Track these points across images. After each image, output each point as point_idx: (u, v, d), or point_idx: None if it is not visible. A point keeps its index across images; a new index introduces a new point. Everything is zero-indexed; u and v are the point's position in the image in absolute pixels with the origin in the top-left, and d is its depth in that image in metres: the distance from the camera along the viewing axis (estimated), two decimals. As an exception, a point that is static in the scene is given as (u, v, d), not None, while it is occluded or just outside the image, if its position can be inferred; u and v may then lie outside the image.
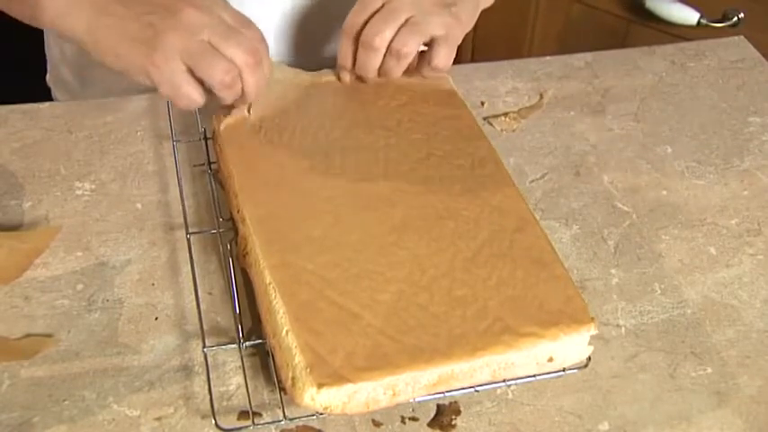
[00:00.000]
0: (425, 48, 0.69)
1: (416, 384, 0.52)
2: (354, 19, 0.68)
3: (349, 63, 0.70)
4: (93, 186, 0.69)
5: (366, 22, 0.67)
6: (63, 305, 0.60)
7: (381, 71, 0.69)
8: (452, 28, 0.68)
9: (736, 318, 0.63)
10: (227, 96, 0.60)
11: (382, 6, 0.67)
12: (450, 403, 0.55)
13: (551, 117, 0.80)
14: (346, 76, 0.71)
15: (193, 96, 0.58)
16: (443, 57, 0.68)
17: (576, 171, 0.74)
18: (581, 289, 0.63)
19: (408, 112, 0.69)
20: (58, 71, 0.92)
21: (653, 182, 0.74)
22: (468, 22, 0.70)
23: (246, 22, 0.60)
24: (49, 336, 0.58)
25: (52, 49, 0.92)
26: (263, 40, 0.61)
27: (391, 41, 0.66)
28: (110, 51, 0.59)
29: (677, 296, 0.64)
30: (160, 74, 0.57)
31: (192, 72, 0.58)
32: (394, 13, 0.66)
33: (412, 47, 0.66)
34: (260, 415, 0.54)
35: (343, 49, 0.69)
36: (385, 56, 0.67)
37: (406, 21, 0.66)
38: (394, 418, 0.55)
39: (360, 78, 0.70)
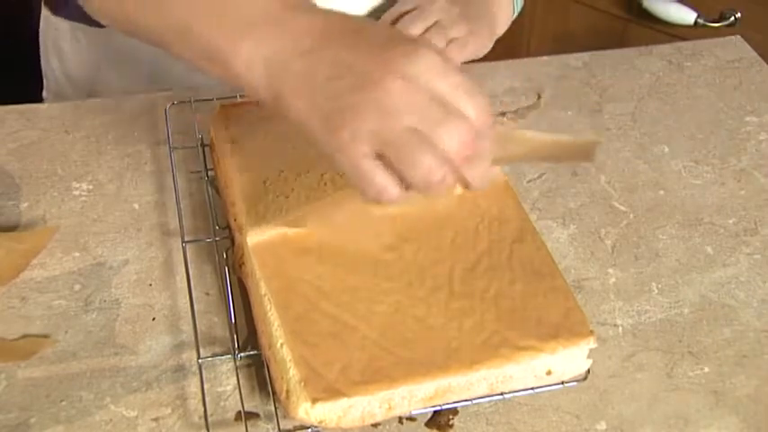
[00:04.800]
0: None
1: (413, 398, 0.51)
2: (386, 18, 0.74)
3: None
4: (90, 187, 0.69)
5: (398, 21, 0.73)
6: (60, 306, 0.60)
7: None
8: (470, 36, 0.74)
9: (733, 317, 0.63)
10: (435, 193, 0.47)
11: (413, 9, 0.73)
12: (448, 403, 0.56)
13: (549, 117, 0.80)
14: None
15: (387, 190, 0.46)
16: (455, 58, 0.72)
17: (573, 171, 0.74)
18: (578, 289, 0.63)
19: None
20: (59, 88, 0.90)
21: (650, 181, 0.74)
22: (481, 43, 0.76)
23: (468, 91, 0.46)
24: (46, 336, 0.58)
25: (53, 68, 0.90)
26: (486, 112, 0.47)
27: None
28: (290, 112, 0.48)
29: (674, 296, 0.64)
30: (344, 157, 0.46)
31: (386, 160, 0.45)
32: (423, 15, 0.72)
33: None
34: (255, 424, 0.54)
35: None
36: None
37: (434, 23, 0.72)
38: (392, 419, 0.54)
39: None
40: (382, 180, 0.46)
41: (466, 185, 0.47)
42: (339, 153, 0.46)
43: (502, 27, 0.81)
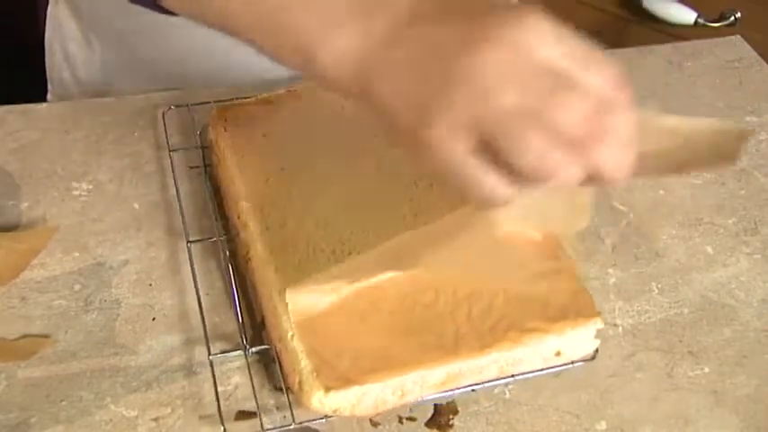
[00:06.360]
0: None
1: (425, 383, 0.52)
2: None
3: None
4: (90, 187, 0.69)
5: None
6: (60, 306, 0.60)
7: None
8: None
9: (733, 317, 0.63)
10: (555, 184, 0.38)
11: None
12: (448, 403, 0.55)
13: (549, 117, 0.80)
14: None
15: (497, 190, 0.39)
16: None
17: (573, 171, 0.74)
18: (578, 288, 0.63)
19: None
20: (66, 92, 0.90)
21: (650, 181, 0.74)
22: None
23: (589, 59, 0.38)
24: (47, 336, 0.58)
25: (60, 71, 0.90)
26: (621, 87, 0.39)
27: None
28: (378, 108, 0.41)
29: (674, 295, 0.64)
30: (443, 157, 0.38)
31: (491, 151, 0.38)
32: None
33: None
34: (255, 424, 0.54)
35: None
36: None
37: None
38: (392, 419, 0.55)
39: None
40: (491, 179, 0.38)
41: (597, 174, 0.38)
42: (436, 153, 0.38)
43: None
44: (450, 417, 0.55)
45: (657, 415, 0.56)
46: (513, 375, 0.54)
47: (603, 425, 0.55)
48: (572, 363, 0.56)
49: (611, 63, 0.39)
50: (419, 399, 0.53)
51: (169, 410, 0.54)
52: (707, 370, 0.59)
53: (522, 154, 0.37)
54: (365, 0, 0.42)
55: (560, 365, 0.55)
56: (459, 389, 0.54)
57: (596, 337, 0.55)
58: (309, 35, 0.43)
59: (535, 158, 0.37)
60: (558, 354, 0.54)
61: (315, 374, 0.50)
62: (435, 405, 0.55)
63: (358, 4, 0.42)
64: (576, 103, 0.37)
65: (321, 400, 0.49)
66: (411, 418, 0.55)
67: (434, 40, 0.39)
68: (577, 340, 0.54)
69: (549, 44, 0.37)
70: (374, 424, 0.54)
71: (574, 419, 0.55)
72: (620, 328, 0.61)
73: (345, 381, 0.49)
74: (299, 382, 0.50)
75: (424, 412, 0.55)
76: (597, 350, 0.56)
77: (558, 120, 0.36)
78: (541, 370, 0.55)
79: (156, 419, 0.54)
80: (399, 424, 0.55)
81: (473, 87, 0.37)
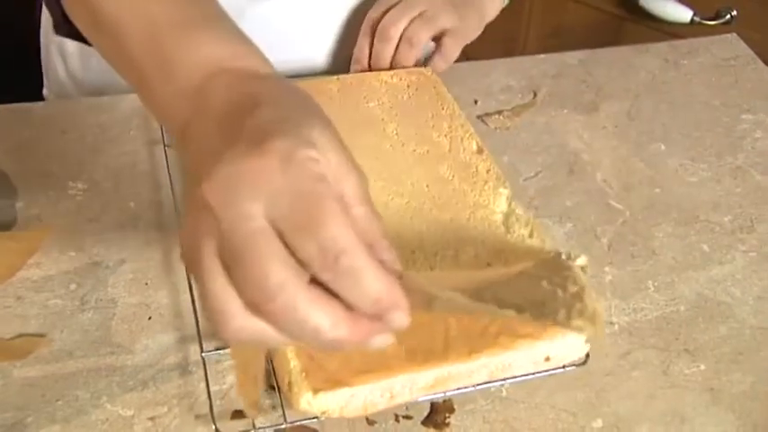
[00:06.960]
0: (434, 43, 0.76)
1: (414, 386, 0.51)
2: (372, 15, 0.75)
3: (365, 56, 0.75)
4: (86, 186, 0.69)
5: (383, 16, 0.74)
6: (56, 305, 0.60)
7: (395, 60, 0.74)
8: (459, 24, 0.75)
9: (729, 314, 0.63)
10: (301, 333, 0.34)
11: (399, 2, 0.74)
12: (444, 401, 0.56)
13: (545, 115, 0.80)
14: (357, 69, 0.76)
15: (226, 310, 0.33)
16: (450, 47, 0.75)
17: (569, 169, 0.74)
18: (574, 286, 0.63)
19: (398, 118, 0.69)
20: (62, 89, 0.89)
21: (646, 179, 0.74)
22: (472, 28, 0.78)
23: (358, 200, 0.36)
24: (42, 336, 0.58)
25: (57, 69, 0.89)
26: (374, 218, 0.36)
27: (404, 31, 0.73)
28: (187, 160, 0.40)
29: (670, 293, 0.64)
30: (195, 277, 0.34)
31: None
32: (408, 8, 0.74)
33: (423, 36, 0.73)
34: (249, 422, 0.54)
35: (360, 43, 0.75)
36: (398, 45, 0.73)
37: (420, 14, 0.74)
38: (388, 417, 0.55)
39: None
40: (225, 298, 0.32)
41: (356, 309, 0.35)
42: (192, 272, 0.34)
43: (491, 13, 0.82)
44: (447, 415, 0.55)
45: (653, 413, 0.56)
46: (505, 379, 0.54)
47: (600, 423, 0.55)
48: (563, 367, 0.55)
49: (368, 210, 0.36)
50: (409, 400, 0.53)
51: (165, 409, 0.54)
52: (703, 367, 0.59)
53: (244, 286, 0.32)
54: (200, 91, 0.41)
55: (552, 369, 0.55)
56: (449, 391, 0.53)
57: (587, 341, 0.54)
58: (167, 100, 0.43)
59: (256, 292, 0.32)
60: (547, 359, 0.54)
61: (303, 375, 0.49)
62: (432, 403, 0.56)
63: (201, 80, 0.42)
64: (328, 239, 0.32)
65: (309, 402, 0.49)
66: (407, 417, 0.55)
67: (218, 131, 0.37)
68: (567, 345, 0.54)
69: (318, 165, 0.34)
70: (370, 423, 0.54)
71: (570, 417, 0.55)
72: (617, 326, 0.61)
73: (334, 382, 0.49)
74: (289, 383, 0.50)
75: (421, 410, 0.55)
76: (588, 354, 0.56)
77: (305, 253, 0.32)
78: (533, 374, 0.54)
79: (152, 419, 0.54)
80: (395, 422, 0.55)
81: (222, 188, 0.33)
